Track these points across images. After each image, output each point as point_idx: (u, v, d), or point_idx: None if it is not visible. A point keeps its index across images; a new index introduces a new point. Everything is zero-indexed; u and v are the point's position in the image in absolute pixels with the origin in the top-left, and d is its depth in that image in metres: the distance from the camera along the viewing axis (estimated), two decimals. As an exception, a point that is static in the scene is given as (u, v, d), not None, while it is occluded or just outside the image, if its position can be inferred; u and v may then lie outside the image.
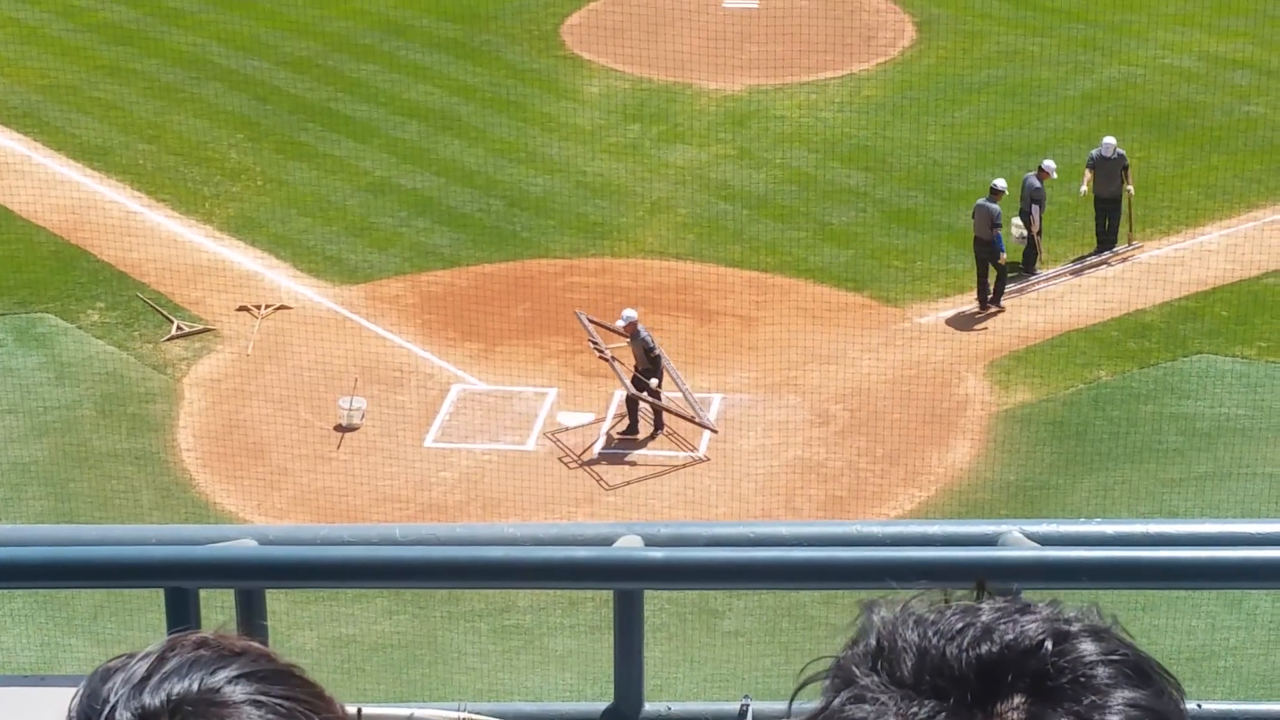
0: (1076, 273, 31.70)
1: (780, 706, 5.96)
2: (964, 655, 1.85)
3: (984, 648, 1.85)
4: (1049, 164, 31.52)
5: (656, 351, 27.60)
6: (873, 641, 1.90)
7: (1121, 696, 1.83)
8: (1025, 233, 31.37)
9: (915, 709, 1.83)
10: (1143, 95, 37.00)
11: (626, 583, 5.89)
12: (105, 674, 2.03)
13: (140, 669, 2.02)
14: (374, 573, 6.18)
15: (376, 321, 30.82)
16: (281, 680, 2.05)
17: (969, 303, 30.87)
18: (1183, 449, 27.11)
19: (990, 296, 30.72)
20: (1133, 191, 31.92)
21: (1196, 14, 39.28)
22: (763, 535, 5.94)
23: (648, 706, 5.99)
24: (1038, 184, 31.10)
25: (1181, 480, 26.37)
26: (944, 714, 1.82)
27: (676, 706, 6.04)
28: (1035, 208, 31.04)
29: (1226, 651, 21.81)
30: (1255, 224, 32.87)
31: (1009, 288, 30.90)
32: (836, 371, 29.28)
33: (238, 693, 2.01)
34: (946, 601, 1.94)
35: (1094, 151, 32.10)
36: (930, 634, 1.88)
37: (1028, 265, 31.52)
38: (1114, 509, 25.29)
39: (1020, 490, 26.37)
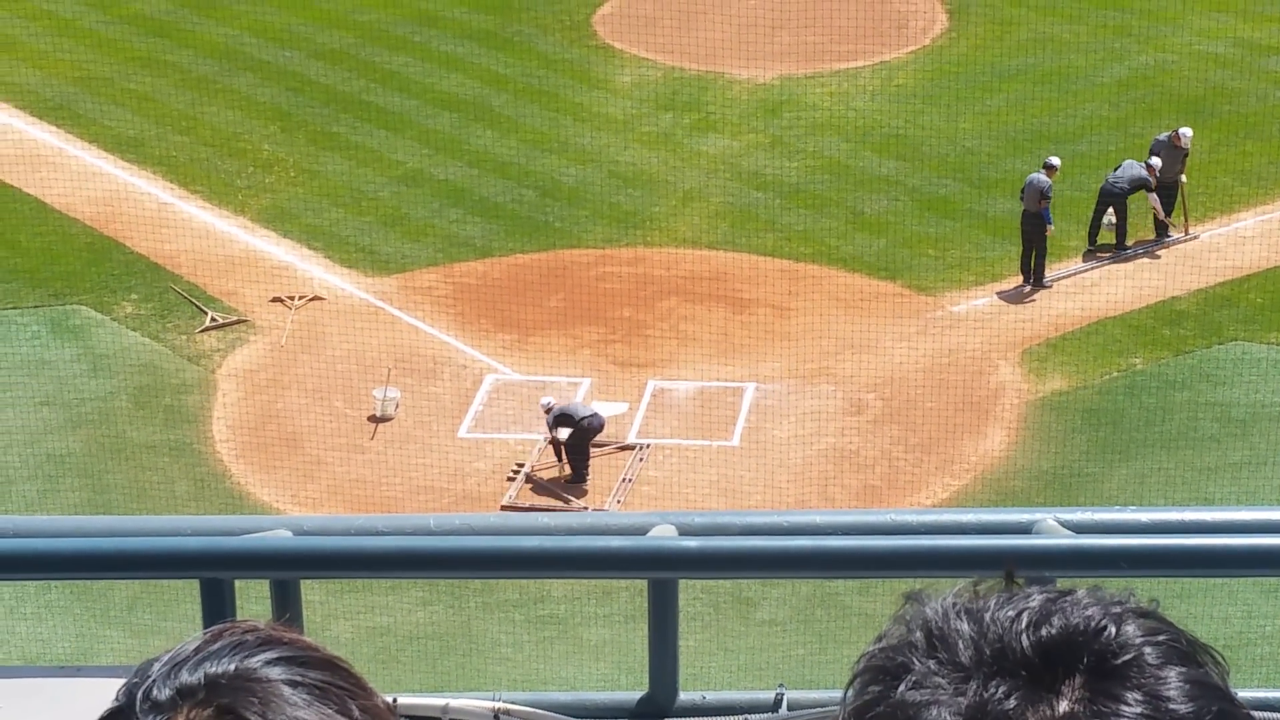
0: (1153, 255, 31.75)
1: (815, 695, 5.96)
2: (1024, 636, 1.89)
3: (1044, 630, 1.89)
4: (1155, 161, 31.57)
5: (552, 435, 26.69)
6: (919, 632, 1.92)
7: (1176, 672, 1.88)
8: (1114, 220, 31.56)
9: (989, 691, 1.85)
10: (1176, 82, 36.84)
11: (661, 572, 5.89)
12: (153, 660, 2.08)
13: (186, 650, 2.08)
14: (408, 563, 6.20)
15: (410, 312, 30.85)
16: (322, 667, 2.08)
17: (1003, 290, 30.81)
18: (1218, 436, 27.02)
19: (1033, 277, 30.72)
20: (1185, 180, 31.91)
21: (1230, -1, 39.14)
22: (797, 524, 5.94)
23: (682, 695, 5.99)
24: (1145, 175, 31.28)
25: (1217, 468, 26.28)
26: (1018, 694, 1.85)
27: (711, 695, 6.05)
28: (1153, 196, 31.48)
29: (1263, 639, 21.73)
30: (1291, 210, 32.75)
31: (1086, 265, 31.11)
32: (870, 360, 29.24)
33: (274, 672, 2.05)
34: (977, 590, 1.96)
35: (1162, 136, 32.07)
36: (986, 619, 1.91)
37: (1120, 244, 31.68)
38: (1149, 497, 25.22)
39: (1055, 478, 26.30)
